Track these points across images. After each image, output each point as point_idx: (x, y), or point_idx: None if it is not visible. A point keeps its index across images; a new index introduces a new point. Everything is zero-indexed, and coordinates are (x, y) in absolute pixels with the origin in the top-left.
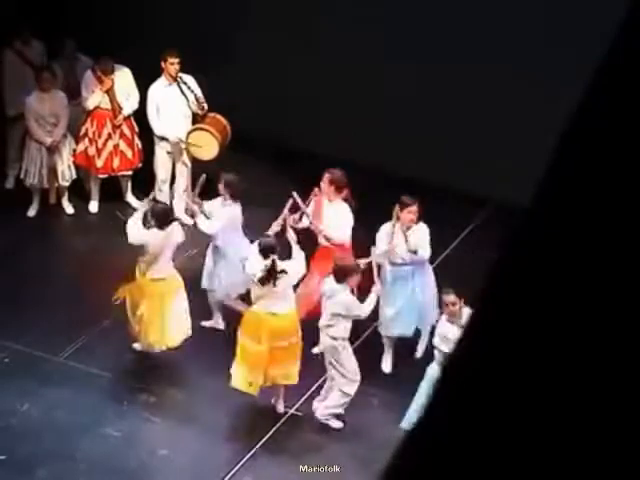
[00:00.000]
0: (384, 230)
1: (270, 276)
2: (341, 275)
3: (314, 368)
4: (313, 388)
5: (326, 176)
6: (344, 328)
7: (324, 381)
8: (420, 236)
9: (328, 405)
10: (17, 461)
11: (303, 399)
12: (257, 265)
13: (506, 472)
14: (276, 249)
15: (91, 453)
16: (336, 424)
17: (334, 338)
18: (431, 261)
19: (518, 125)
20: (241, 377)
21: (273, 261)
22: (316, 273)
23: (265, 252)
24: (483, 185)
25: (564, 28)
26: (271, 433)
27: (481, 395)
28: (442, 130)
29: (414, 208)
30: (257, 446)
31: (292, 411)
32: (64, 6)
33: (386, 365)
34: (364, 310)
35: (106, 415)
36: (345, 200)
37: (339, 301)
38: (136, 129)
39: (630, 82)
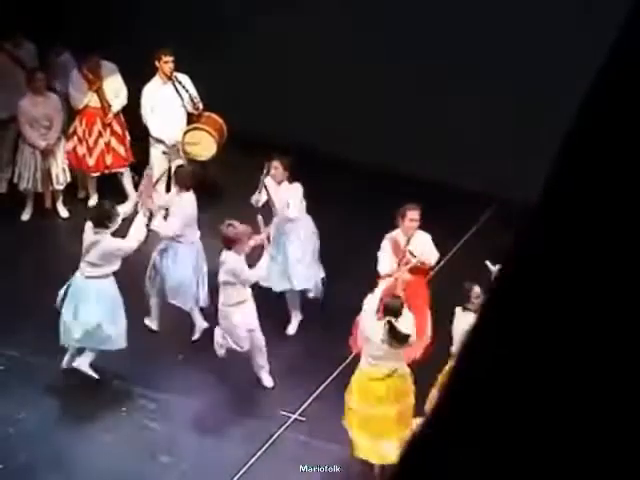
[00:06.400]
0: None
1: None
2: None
3: (316, 373)
4: (315, 394)
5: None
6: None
7: (327, 386)
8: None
9: None
10: (16, 470)
11: (306, 404)
12: (375, 326)
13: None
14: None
15: (90, 460)
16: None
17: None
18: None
19: (521, 125)
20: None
21: (390, 322)
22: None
23: (387, 314)
24: (486, 185)
25: (564, 27)
26: (273, 439)
27: (489, 400)
28: (443, 130)
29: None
30: (259, 452)
31: (295, 416)
32: (58, 7)
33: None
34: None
35: (105, 422)
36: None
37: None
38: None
39: (632, 82)
